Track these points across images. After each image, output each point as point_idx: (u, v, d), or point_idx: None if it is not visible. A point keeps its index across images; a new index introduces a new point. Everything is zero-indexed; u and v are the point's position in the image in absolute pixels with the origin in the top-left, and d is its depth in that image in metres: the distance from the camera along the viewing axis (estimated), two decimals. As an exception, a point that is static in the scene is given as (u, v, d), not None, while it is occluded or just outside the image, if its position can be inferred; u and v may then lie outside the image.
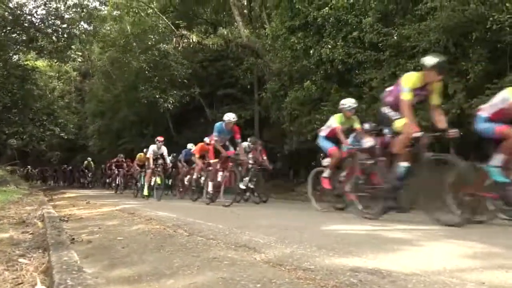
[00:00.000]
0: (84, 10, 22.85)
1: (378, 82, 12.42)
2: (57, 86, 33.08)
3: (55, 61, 24.91)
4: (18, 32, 20.98)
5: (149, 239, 3.85)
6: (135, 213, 6.56)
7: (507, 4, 8.85)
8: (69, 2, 22.80)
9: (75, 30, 23.00)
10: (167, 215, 5.83)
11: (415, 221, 4.96)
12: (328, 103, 14.10)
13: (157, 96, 22.44)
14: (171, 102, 22.84)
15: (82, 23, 24.75)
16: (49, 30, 21.66)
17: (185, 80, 23.07)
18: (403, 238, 3.59)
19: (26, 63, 23.64)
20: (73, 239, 4.15)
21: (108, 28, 26.60)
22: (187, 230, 4.20)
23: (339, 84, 14.21)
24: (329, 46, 13.50)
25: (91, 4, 24.92)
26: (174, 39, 21.73)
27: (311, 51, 14.14)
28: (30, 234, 3.55)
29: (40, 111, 24.76)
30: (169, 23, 23.22)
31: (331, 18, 13.58)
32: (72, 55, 24.99)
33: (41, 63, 26.92)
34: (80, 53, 27.58)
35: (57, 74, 32.47)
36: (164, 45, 22.61)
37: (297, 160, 19.94)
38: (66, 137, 28.46)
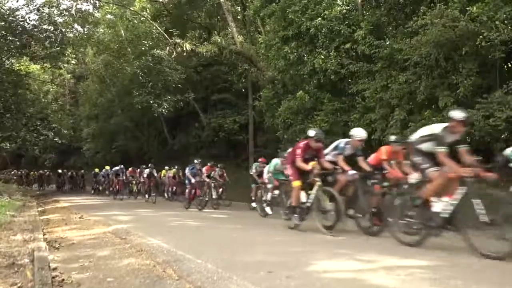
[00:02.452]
0: (77, 14, 22.76)
1: (371, 92, 12.50)
2: (51, 89, 32.90)
3: (48, 66, 24.78)
4: (10, 38, 20.85)
5: (138, 284, 3.89)
6: (127, 238, 6.57)
7: (497, 22, 8.91)
8: (62, 7, 22.71)
9: (68, 33, 22.89)
10: (158, 244, 5.86)
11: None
12: (321, 112, 14.17)
13: (151, 102, 22.42)
14: (165, 107, 22.85)
15: (75, 25, 24.71)
16: (42, 36, 21.53)
17: (179, 85, 23.08)
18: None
19: (19, 68, 23.49)
20: (63, 280, 4.17)
21: (102, 31, 26.51)
22: (177, 270, 4.23)
23: (332, 93, 14.24)
24: (322, 56, 13.55)
25: (84, 7, 24.87)
26: (168, 47, 21.71)
27: (304, 60, 14.17)
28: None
29: (33, 116, 24.64)
30: (161, 30, 23.19)
31: (323, 29, 13.61)
32: (65, 58, 24.86)
33: (34, 67, 26.76)
34: (74, 56, 27.47)
35: (51, 77, 32.28)
36: (157, 51, 22.58)
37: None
38: (59, 142, 28.36)
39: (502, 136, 9.35)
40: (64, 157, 41.18)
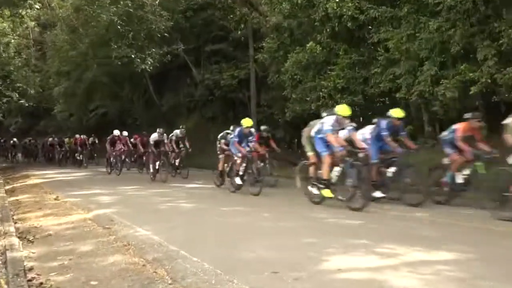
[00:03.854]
0: None
1: (395, 42, 12.39)
2: (12, 41, 32.52)
3: (8, 14, 24.39)
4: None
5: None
6: (111, 228, 6.76)
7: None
8: None
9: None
10: (147, 236, 6.04)
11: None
12: (335, 67, 14.14)
13: (132, 56, 22.21)
14: (149, 61, 22.64)
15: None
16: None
17: (166, 35, 22.79)
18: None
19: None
20: (41, 284, 4.36)
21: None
22: (169, 271, 4.40)
23: (349, 44, 14.18)
24: (337, 0, 13.32)
25: None
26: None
27: (315, 3, 13.94)
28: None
29: (-7, 75, 24.59)
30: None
31: (338, -36, 13.32)
32: (27, 2, 24.40)
33: (-9, 15, 26.40)
34: (37, -1, 26.96)
35: (11, 26, 31.84)
36: (138, -7, 22.15)
37: (301, 128, 20.03)
38: (26, 105, 28.40)
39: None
40: (33, 121, 41.42)
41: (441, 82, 11.19)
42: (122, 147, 18.77)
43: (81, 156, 23.35)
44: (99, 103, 31.29)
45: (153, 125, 22.82)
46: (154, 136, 15.35)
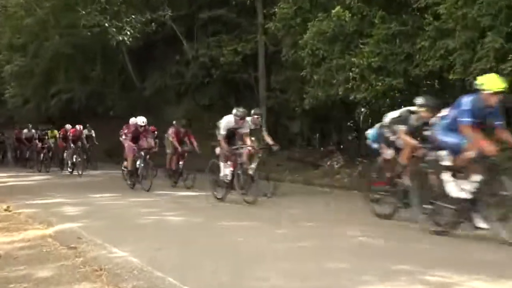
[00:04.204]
0: None
1: (448, 7, 12.29)
2: None
3: None
4: None
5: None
6: (78, 247, 6.74)
7: None
8: None
9: None
10: (125, 259, 6.01)
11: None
12: (370, 39, 14.06)
13: (106, 25, 22.22)
14: (128, 32, 22.63)
15: None
16: None
17: (148, -3, 22.93)
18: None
19: None
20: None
21: None
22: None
23: (387, 9, 14.08)
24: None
25: None
26: None
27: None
28: None
29: None
30: None
31: None
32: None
33: None
34: None
35: None
36: None
37: (324, 119, 20.02)
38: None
39: None
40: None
41: (508, 58, 11.09)
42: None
43: (74, 158, 20.63)
44: (62, 86, 31.30)
45: (132, 114, 22.90)
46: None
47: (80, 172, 19.54)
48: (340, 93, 14.32)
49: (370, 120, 17.78)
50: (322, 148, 20.04)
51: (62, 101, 31.45)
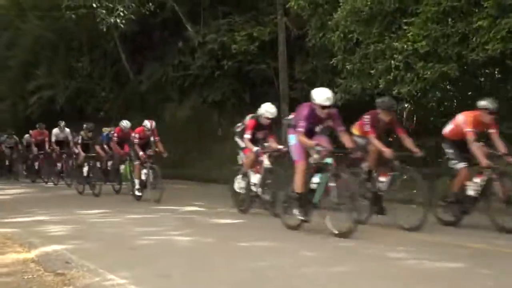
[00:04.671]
0: None
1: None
2: None
3: None
4: None
5: None
6: (66, 274, 6.72)
7: None
8: None
9: None
10: (124, 287, 5.99)
11: None
12: (415, 19, 13.92)
13: (94, 5, 22.31)
14: (121, 14, 22.67)
15: None
16: None
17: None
18: None
19: None
20: None
21: None
22: None
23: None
24: None
25: None
26: None
27: None
28: None
29: None
30: None
31: None
32: None
33: None
34: None
35: None
36: None
37: (359, 116, 19.70)
38: None
39: None
40: None
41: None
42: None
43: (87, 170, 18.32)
44: (43, 81, 31.49)
45: (126, 114, 22.96)
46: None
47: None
48: (381, 86, 14.19)
49: (415, 118, 17.71)
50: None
51: (43, 99, 31.62)
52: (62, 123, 18.28)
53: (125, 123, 16.78)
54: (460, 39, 13.45)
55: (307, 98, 20.15)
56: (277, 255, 7.91)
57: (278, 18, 20.97)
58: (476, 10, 13.14)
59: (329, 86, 17.38)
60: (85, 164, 17.82)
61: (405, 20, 14.12)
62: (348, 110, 17.06)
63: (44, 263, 7.47)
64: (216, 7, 24.15)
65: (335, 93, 16.14)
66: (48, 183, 21.65)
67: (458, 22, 13.49)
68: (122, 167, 17.05)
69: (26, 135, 21.90)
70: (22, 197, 17.01)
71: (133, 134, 15.55)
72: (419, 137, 16.40)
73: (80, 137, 18.51)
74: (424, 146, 15.00)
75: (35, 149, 22.45)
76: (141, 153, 15.08)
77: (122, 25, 23.02)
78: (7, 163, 25.48)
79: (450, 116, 11.37)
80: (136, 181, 15.41)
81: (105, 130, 18.23)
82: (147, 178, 15.07)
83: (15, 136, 25.49)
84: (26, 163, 24.86)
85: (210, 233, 9.94)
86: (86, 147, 18.22)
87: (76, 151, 18.64)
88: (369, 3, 14.47)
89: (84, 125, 18.51)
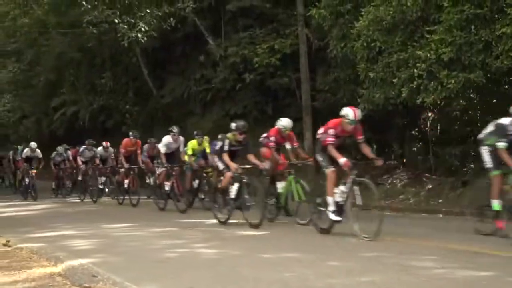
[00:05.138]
0: None
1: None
2: None
3: None
4: None
5: None
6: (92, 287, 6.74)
7: None
8: None
9: None
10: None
11: None
12: (438, 26, 13.87)
13: (116, 20, 22.45)
14: (142, 29, 22.78)
15: None
16: None
17: (166, -13, 23.03)
18: None
19: None
20: None
21: None
22: None
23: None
24: None
25: None
26: None
27: None
28: None
29: None
30: None
31: None
32: None
33: None
34: None
35: None
36: None
37: (383, 128, 19.65)
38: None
39: None
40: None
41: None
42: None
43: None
44: (67, 97, 31.70)
45: (149, 129, 23.01)
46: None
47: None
48: (403, 94, 14.11)
49: (439, 127, 17.59)
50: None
51: (67, 115, 31.83)
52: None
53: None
54: (483, 46, 13.36)
55: (330, 109, 20.31)
56: (302, 265, 7.84)
57: (299, 30, 20.98)
58: (500, 18, 13.06)
59: (351, 96, 17.42)
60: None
61: (427, 28, 14.10)
62: (371, 120, 17.11)
63: (71, 276, 7.46)
64: (237, 20, 24.21)
65: (360, 97, 16.18)
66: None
67: (481, 30, 13.40)
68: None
69: (99, 148, 20.85)
70: (46, 213, 17.06)
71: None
72: (443, 146, 16.36)
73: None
74: (449, 155, 14.98)
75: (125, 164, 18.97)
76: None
77: (143, 40, 23.09)
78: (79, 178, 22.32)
79: (474, 124, 11.29)
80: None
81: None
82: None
83: (94, 148, 21.23)
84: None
85: (236, 244, 9.98)
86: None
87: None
88: (391, 12, 14.47)
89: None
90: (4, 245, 10.66)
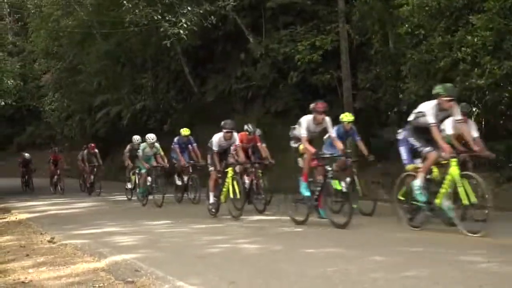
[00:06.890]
0: None
1: None
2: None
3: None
4: None
5: None
6: (136, 282, 6.77)
7: None
8: None
9: None
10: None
11: None
12: (481, 15, 13.68)
13: (156, 18, 22.56)
14: (184, 25, 22.81)
15: None
16: None
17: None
18: None
19: None
20: None
21: None
22: None
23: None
24: None
25: None
26: None
27: None
28: None
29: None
30: None
31: None
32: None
33: None
34: None
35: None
36: None
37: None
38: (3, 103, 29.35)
39: None
40: (15, 126, 42.97)
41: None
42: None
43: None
44: (110, 97, 31.97)
45: (191, 127, 23.07)
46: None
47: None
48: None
49: (483, 122, 17.31)
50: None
51: (110, 115, 32.05)
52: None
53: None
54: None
55: (372, 105, 20.14)
56: (345, 261, 7.81)
57: (340, 26, 20.84)
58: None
59: (394, 93, 17.26)
60: None
61: (470, 17, 13.93)
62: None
63: (114, 271, 7.57)
64: (277, 17, 24.16)
65: (403, 91, 15.99)
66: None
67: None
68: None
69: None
70: (91, 211, 17.25)
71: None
72: (488, 141, 16.10)
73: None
74: (493, 150, 14.73)
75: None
76: None
77: (185, 36, 22.99)
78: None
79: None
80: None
81: None
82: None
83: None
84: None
85: (278, 240, 9.94)
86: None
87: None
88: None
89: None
90: (49, 242, 10.85)
